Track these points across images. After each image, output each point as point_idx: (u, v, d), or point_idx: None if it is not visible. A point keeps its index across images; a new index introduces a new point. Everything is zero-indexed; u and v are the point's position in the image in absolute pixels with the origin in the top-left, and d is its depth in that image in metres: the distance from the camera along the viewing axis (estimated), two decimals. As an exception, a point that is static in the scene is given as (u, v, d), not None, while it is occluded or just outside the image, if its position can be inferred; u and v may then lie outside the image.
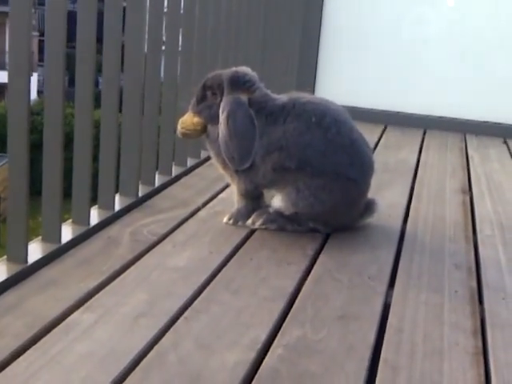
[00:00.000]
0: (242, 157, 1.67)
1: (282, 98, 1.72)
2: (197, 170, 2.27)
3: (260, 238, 1.68)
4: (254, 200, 1.76)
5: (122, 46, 1.75)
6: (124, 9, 1.73)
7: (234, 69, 1.72)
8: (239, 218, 1.76)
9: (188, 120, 1.74)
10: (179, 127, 1.76)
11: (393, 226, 1.86)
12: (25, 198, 1.36)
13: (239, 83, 1.69)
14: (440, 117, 3.56)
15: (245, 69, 1.74)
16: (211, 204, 1.92)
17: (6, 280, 1.30)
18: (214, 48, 2.42)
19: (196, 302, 1.30)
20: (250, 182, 1.71)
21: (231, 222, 1.76)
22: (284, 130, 1.65)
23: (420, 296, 1.42)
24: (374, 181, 2.31)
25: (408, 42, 3.64)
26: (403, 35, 3.66)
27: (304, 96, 1.75)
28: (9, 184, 1.37)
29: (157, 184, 2.01)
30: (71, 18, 1.40)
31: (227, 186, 2.09)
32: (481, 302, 1.43)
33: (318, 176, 1.65)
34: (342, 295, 1.39)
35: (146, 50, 1.89)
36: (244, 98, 1.68)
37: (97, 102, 1.61)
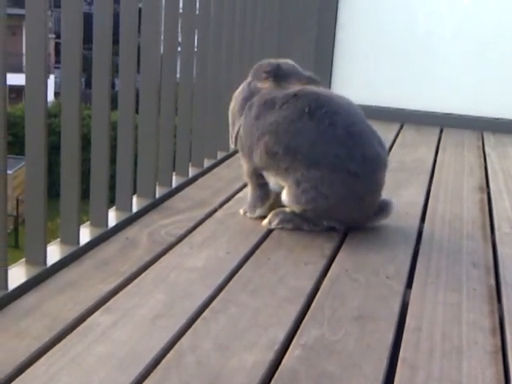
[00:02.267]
0: (230, 136, 1.86)
1: (293, 88, 1.76)
2: (213, 171, 2.28)
3: (277, 238, 1.68)
4: (259, 187, 1.80)
5: (138, 48, 1.76)
6: (140, 10, 1.74)
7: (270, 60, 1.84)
8: (247, 208, 1.83)
9: None
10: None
11: (410, 225, 1.85)
12: (43, 200, 1.37)
13: (258, 72, 1.82)
14: (457, 115, 3.54)
15: (275, 61, 1.83)
16: (228, 205, 1.93)
17: (25, 282, 1.31)
18: (229, 47, 2.43)
19: (214, 303, 1.30)
20: (250, 163, 1.78)
21: (243, 213, 1.84)
22: (277, 116, 1.70)
23: (438, 295, 1.42)
24: (391, 180, 2.31)
25: (424, 39, 3.63)
26: (419, 32, 3.64)
27: (314, 88, 1.76)
28: (26, 186, 1.38)
29: (174, 185, 2.02)
30: (87, 19, 1.41)
31: (244, 186, 2.10)
32: (499, 300, 1.42)
33: (314, 167, 1.65)
34: (359, 295, 1.39)
35: (161, 50, 1.89)
36: (259, 85, 1.80)
37: (114, 103, 1.62)
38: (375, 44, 3.63)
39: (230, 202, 1.95)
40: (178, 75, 2.06)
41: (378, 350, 1.17)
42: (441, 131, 3.37)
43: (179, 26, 2.00)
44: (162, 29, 1.89)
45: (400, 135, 3.20)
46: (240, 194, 2.02)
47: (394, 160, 2.64)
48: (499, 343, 1.23)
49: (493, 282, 1.51)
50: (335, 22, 3.60)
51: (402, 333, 1.24)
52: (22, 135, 1.36)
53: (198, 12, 2.15)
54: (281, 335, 1.19)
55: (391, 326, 1.26)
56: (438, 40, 3.62)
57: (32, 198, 1.38)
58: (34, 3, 1.30)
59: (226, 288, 1.37)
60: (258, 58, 2.68)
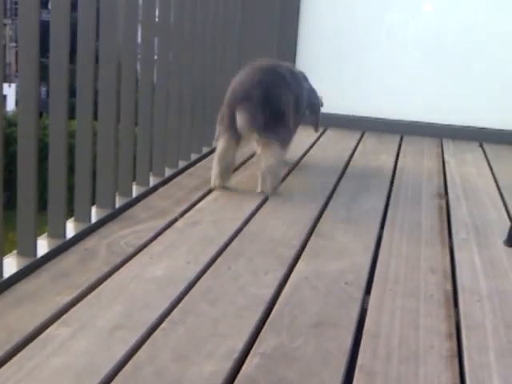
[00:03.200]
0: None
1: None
2: (175, 180, 2.28)
3: (237, 247, 1.69)
4: None
5: (97, 55, 1.74)
6: (98, 14, 1.73)
7: None
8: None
9: None
10: None
11: (369, 232, 1.87)
12: (-1, 211, 1.35)
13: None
14: (416, 122, 3.59)
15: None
16: (189, 214, 1.92)
17: (-19, 295, 1.29)
18: (189, 53, 2.43)
19: (173, 313, 1.30)
20: None
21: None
22: None
23: (396, 301, 1.43)
24: (352, 186, 2.35)
25: (385, 48, 3.68)
26: (380, 40, 3.69)
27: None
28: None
29: (134, 194, 2.01)
30: (44, 27, 1.40)
31: (205, 195, 2.10)
32: (456, 305, 1.44)
33: None
34: (318, 302, 1.40)
35: (120, 57, 1.88)
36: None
37: (73, 111, 1.61)
38: (336, 52, 3.67)
39: (191, 212, 1.94)
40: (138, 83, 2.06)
41: (336, 356, 1.18)
42: (401, 139, 3.41)
43: (139, 31, 2.00)
44: (121, 35, 1.87)
45: (361, 143, 3.23)
46: (201, 204, 2.02)
47: (354, 167, 2.68)
48: (455, 347, 1.25)
49: (450, 286, 1.54)
50: (296, 30, 3.62)
51: (361, 339, 1.25)
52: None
53: (157, 19, 2.15)
54: (240, 344, 1.19)
55: (350, 333, 1.27)
56: (399, 49, 3.67)
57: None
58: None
59: (186, 298, 1.37)
60: (220, 67, 2.70)
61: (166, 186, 2.19)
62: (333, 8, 3.64)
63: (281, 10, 3.56)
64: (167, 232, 1.76)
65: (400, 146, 3.24)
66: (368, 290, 1.49)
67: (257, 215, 1.95)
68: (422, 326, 1.32)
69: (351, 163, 2.75)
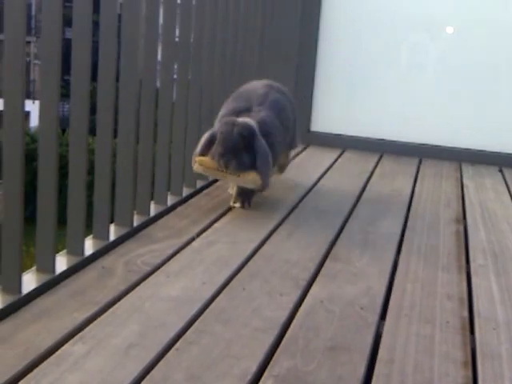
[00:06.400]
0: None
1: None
2: (192, 200, 2.29)
3: (253, 269, 1.69)
4: None
5: (118, 75, 1.77)
6: (119, 35, 1.76)
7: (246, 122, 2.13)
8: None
9: (210, 163, 2.11)
10: (198, 165, 2.13)
11: (386, 257, 1.87)
12: (19, 228, 1.37)
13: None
14: (435, 146, 3.58)
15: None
16: (205, 234, 1.93)
17: (0, 310, 1.30)
18: (209, 76, 2.46)
19: (187, 333, 1.30)
20: None
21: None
22: None
23: (411, 327, 1.43)
24: (369, 210, 2.35)
25: (405, 71, 3.69)
26: (400, 63, 3.70)
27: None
28: (3, 212, 1.37)
29: (152, 213, 2.03)
30: (67, 46, 1.43)
31: (221, 216, 2.11)
32: (472, 332, 1.44)
33: None
34: (333, 326, 1.40)
35: (140, 77, 1.91)
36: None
37: (93, 130, 1.63)
38: (356, 74, 3.68)
39: (208, 232, 1.95)
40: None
41: (349, 381, 1.18)
42: (419, 162, 3.41)
43: (159, 51, 2.03)
44: (142, 54, 1.90)
45: (379, 166, 3.23)
46: (217, 224, 2.03)
47: (372, 190, 2.68)
48: (471, 375, 1.24)
49: (466, 313, 1.53)
50: (315, 54, 3.64)
51: (375, 365, 1.25)
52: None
53: (177, 39, 2.17)
54: (253, 366, 1.20)
55: (364, 358, 1.27)
56: (418, 72, 3.68)
57: (8, 224, 1.38)
58: (12, 29, 1.32)
59: (201, 318, 1.38)
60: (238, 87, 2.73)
61: (183, 206, 2.21)
62: (351, 31, 3.65)
63: (300, 32, 3.58)
64: (184, 251, 1.77)
65: (418, 169, 3.23)
66: (383, 315, 1.48)
67: (272, 237, 1.96)
68: (438, 353, 1.32)
69: (368, 186, 2.75)
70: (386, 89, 3.65)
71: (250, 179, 2.10)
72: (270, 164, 2.16)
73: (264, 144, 2.13)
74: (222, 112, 2.27)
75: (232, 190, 2.31)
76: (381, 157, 3.45)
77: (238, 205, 2.21)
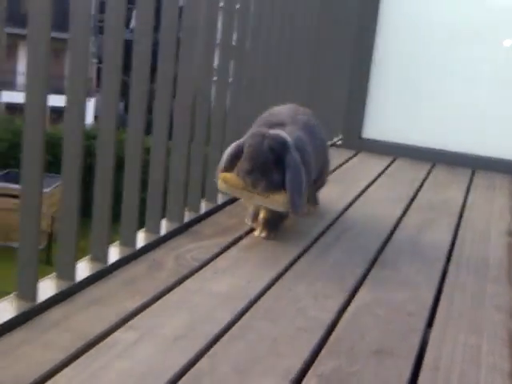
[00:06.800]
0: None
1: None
2: (242, 200, 2.31)
3: (299, 270, 1.70)
4: None
5: (175, 76, 1.81)
6: (178, 40, 1.80)
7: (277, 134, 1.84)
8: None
9: (235, 181, 1.82)
10: (221, 183, 1.85)
11: (435, 266, 1.85)
12: (76, 218, 1.41)
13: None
14: (489, 157, 3.53)
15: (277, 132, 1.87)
16: (254, 233, 1.95)
17: (54, 295, 1.34)
18: (263, 84, 2.48)
19: (234, 328, 1.32)
20: None
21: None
22: None
23: (458, 336, 1.42)
24: (419, 219, 2.33)
25: (459, 81, 3.64)
26: (455, 74, 3.65)
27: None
28: (61, 204, 1.42)
29: (202, 211, 2.06)
30: (128, 46, 1.47)
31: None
32: (520, 345, 1.42)
33: None
34: (379, 330, 1.40)
35: (197, 79, 1.95)
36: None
37: (149, 128, 1.67)
38: (409, 83, 3.65)
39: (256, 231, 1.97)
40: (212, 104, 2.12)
41: (393, 385, 1.18)
42: (472, 173, 3.36)
43: (215, 56, 2.06)
44: (200, 58, 1.94)
45: (431, 174, 3.20)
46: (267, 224, 2.05)
47: (422, 198, 2.66)
48: (517, 387, 1.23)
49: (514, 326, 1.51)
50: (370, 61, 3.63)
51: (419, 371, 1.25)
52: (60, 155, 1.40)
53: (234, 43, 2.20)
54: (298, 364, 1.21)
55: (409, 363, 1.26)
56: (474, 83, 3.63)
57: (66, 215, 1.42)
58: (77, 28, 1.36)
59: (247, 315, 1.39)
60: (292, 92, 2.74)
61: (233, 205, 2.23)
62: (407, 38, 3.63)
63: (355, 38, 3.58)
64: (232, 249, 1.79)
65: (471, 180, 3.19)
66: (430, 323, 1.47)
67: (319, 241, 1.96)
68: (484, 364, 1.31)
69: (419, 195, 2.73)
70: (439, 98, 3.61)
71: (281, 202, 1.80)
72: (303, 182, 1.84)
73: (298, 159, 1.83)
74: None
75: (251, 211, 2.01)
76: (433, 166, 3.41)
77: (263, 235, 1.92)
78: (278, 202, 1.80)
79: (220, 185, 1.86)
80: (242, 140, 1.86)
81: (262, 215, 1.94)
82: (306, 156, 1.90)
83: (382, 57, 3.61)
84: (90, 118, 14.86)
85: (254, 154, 1.79)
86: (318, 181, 2.15)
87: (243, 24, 2.24)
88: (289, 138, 1.84)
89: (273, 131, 1.85)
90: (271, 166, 1.79)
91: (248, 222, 1.99)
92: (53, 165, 4.21)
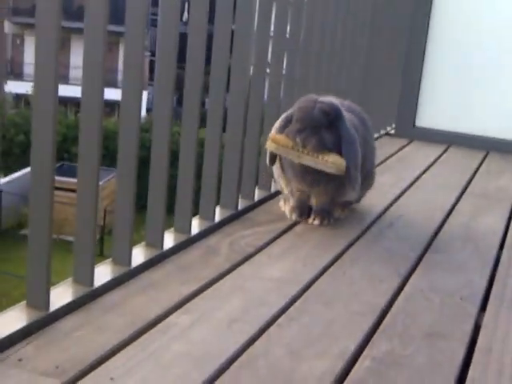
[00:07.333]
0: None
1: None
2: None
3: (353, 255, 1.71)
4: None
5: (229, 69, 1.83)
6: (232, 32, 1.82)
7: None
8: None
9: (284, 141, 1.79)
10: (270, 143, 1.82)
11: (488, 252, 1.84)
12: (132, 204, 1.45)
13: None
14: (545, 144, 3.46)
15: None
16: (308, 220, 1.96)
17: (111, 280, 1.39)
18: (317, 73, 2.48)
19: (288, 311, 1.35)
20: None
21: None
22: None
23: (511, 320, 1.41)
24: (472, 206, 2.31)
25: (512, 69, 3.57)
26: (507, 61, 3.58)
27: None
28: (116, 196, 1.45)
29: (256, 199, 2.08)
30: (182, 39, 1.49)
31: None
32: None
33: None
34: (432, 314, 1.40)
35: (251, 72, 1.97)
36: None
37: (203, 121, 1.70)
38: (464, 71, 3.59)
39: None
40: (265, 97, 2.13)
41: (446, 367, 1.18)
42: (528, 161, 3.30)
43: (270, 49, 2.07)
44: (253, 51, 1.96)
45: (485, 162, 3.16)
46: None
47: (476, 187, 2.63)
48: None
49: None
50: (424, 50, 3.58)
51: (473, 353, 1.25)
52: (113, 148, 1.43)
53: (287, 36, 2.21)
54: (351, 346, 1.22)
55: (462, 346, 1.27)
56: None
57: (121, 207, 1.46)
58: (133, 22, 1.38)
59: (301, 298, 1.41)
60: (345, 83, 2.73)
61: (286, 193, 2.24)
62: (462, 27, 3.57)
63: (410, 25, 3.54)
64: (286, 235, 1.81)
65: (526, 168, 3.14)
66: (483, 307, 1.47)
67: (374, 227, 1.97)
68: (538, 347, 1.30)
69: (473, 182, 2.70)
70: (493, 86, 3.55)
71: (333, 161, 1.73)
72: (360, 153, 1.78)
73: (352, 130, 1.77)
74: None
75: (284, 207, 1.98)
76: (486, 154, 3.36)
77: (316, 222, 1.89)
78: (330, 163, 1.74)
79: (269, 144, 1.83)
80: (291, 110, 1.83)
81: (314, 202, 1.92)
82: (359, 133, 1.84)
83: (435, 45, 3.57)
84: (142, 111, 15.01)
85: (304, 115, 1.75)
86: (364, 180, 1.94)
87: (297, 14, 2.25)
88: (341, 108, 1.79)
89: (324, 98, 1.80)
90: (322, 126, 1.74)
91: (292, 218, 1.92)
92: (104, 157, 4.32)
